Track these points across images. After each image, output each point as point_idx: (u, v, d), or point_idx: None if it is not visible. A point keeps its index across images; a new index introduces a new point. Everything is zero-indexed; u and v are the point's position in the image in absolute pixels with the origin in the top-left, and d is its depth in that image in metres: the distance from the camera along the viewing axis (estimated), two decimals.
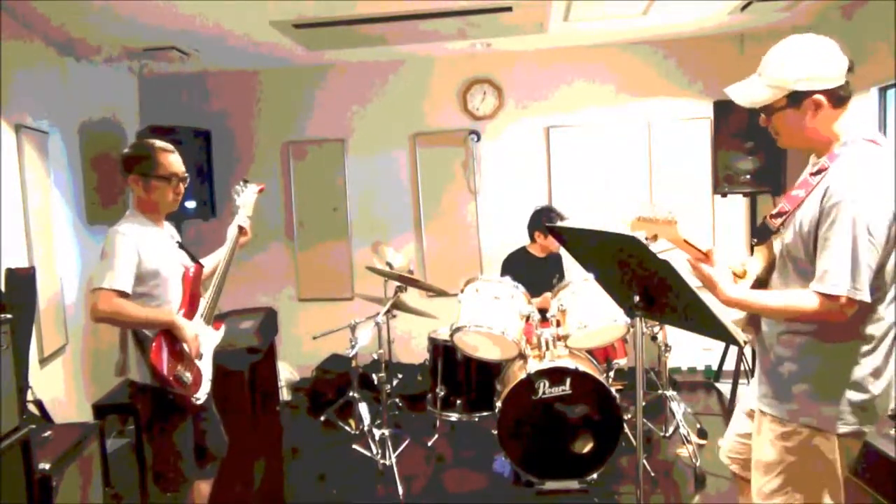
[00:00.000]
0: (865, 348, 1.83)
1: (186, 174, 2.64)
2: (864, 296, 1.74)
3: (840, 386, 1.84)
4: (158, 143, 2.61)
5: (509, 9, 3.92)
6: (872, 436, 2.40)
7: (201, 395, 2.60)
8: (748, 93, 1.92)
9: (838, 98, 1.84)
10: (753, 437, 2.05)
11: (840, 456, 1.88)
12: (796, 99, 1.84)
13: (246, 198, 2.89)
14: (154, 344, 2.43)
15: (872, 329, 1.83)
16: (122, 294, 2.37)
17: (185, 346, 2.53)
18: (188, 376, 2.52)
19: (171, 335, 2.49)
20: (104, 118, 4.91)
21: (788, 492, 1.93)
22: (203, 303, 2.71)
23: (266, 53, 4.78)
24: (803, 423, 1.89)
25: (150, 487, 3.29)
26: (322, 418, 4.53)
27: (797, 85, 1.82)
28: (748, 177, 4.53)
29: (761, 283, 2.01)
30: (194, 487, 2.73)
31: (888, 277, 1.81)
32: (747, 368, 4.39)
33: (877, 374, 1.84)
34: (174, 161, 2.59)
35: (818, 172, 1.85)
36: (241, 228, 2.79)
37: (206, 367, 2.66)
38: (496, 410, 3.44)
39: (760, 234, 2.01)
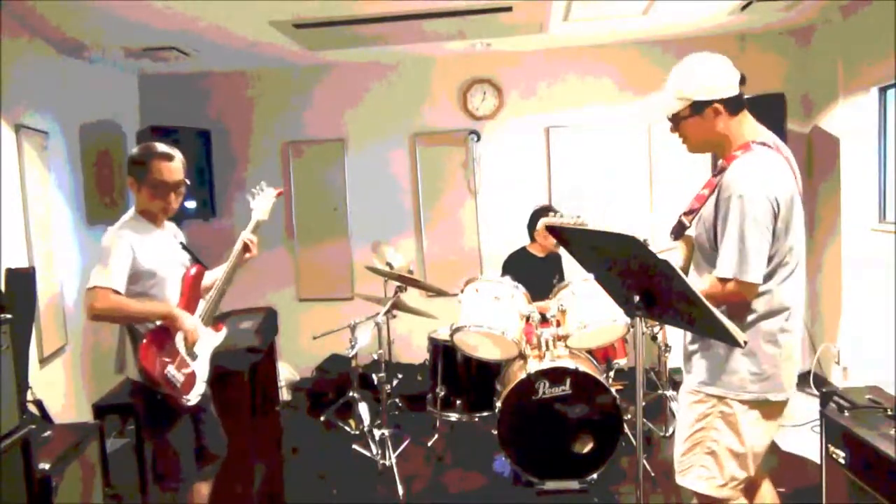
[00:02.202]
0: (762, 323, 2.07)
1: (184, 181, 2.61)
2: (751, 277, 1.99)
3: (740, 357, 2.07)
4: (161, 148, 2.58)
5: (509, 9, 3.92)
6: (873, 436, 2.41)
7: (193, 396, 2.55)
8: (662, 106, 2.21)
9: (734, 105, 2.13)
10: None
11: (750, 421, 2.10)
12: (699, 108, 2.13)
13: (262, 201, 2.87)
14: (143, 343, 2.42)
15: (761, 305, 2.07)
16: (116, 292, 2.38)
17: (182, 339, 2.52)
18: (179, 377, 2.50)
19: (162, 335, 2.48)
20: (104, 118, 4.91)
21: (697, 454, 2.16)
22: (202, 304, 2.70)
23: (266, 53, 4.78)
24: (708, 393, 2.14)
25: (150, 487, 3.30)
26: (322, 418, 4.53)
27: (698, 95, 2.12)
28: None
29: (682, 273, 2.21)
30: (193, 488, 2.72)
31: (776, 261, 2.05)
32: None
33: (773, 345, 2.07)
34: (168, 169, 2.54)
35: (720, 172, 2.12)
36: (246, 245, 2.75)
37: (200, 368, 2.63)
38: (496, 410, 3.44)
39: (676, 230, 2.26)
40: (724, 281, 2.02)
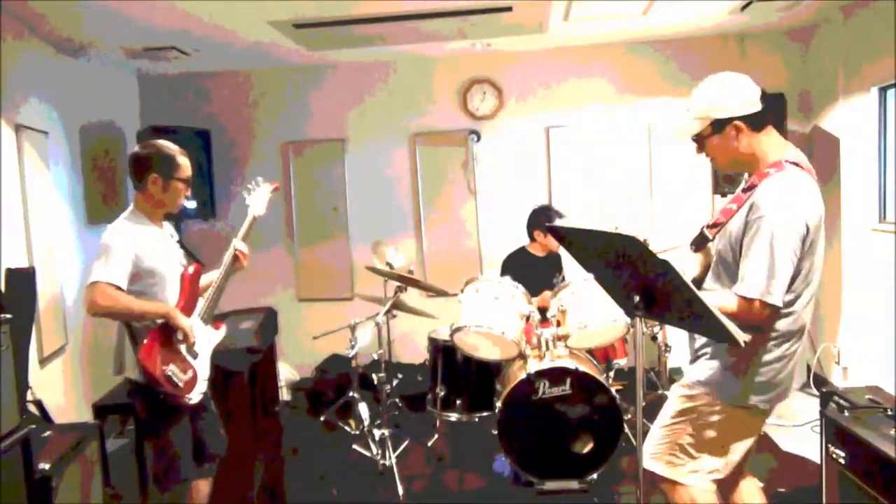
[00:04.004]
0: (777, 339, 2.09)
1: None
2: (776, 300, 1.99)
3: (747, 367, 2.10)
4: (174, 145, 2.65)
5: (509, 9, 3.92)
6: (873, 436, 2.41)
7: (194, 395, 2.57)
8: (682, 127, 2.20)
9: (756, 122, 2.11)
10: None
11: (732, 426, 2.15)
12: (719, 126, 2.11)
13: (258, 196, 2.90)
14: (145, 343, 2.42)
15: (786, 325, 2.08)
16: (118, 288, 2.38)
17: (181, 338, 2.52)
18: (181, 376, 2.50)
19: (163, 334, 2.48)
20: (104, 118, 4.91)
21: (668, 443, 2.23)
22: (201, 302, 2.70)
23: (266, 53, 4.78)
24: (705, 393, 2.17)
25: (150, 487, 3.30)
26: (322, 418, 4.53)
27: (718, 114, 2.10)
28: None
29: (697, 283, 2.24)
30: (193, 487, 2.72)
31: (801, 280, 2.07)
32: None
33: (781, 360, 2.10)
34: (188, 165, 2.64)
35: (749, 189, 2.11)
36: (236, 256, 2.76)
37: (202, 366, 2.64)
38: (496, 410, 3.44)
39: (698, 242, 2.25)
40: (748, 301, 2.01)
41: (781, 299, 2.00)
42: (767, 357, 2.10)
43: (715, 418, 2.15)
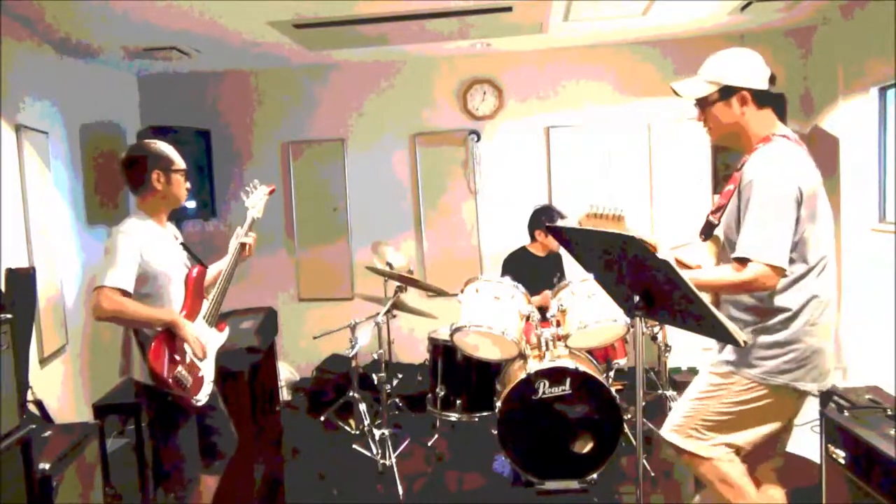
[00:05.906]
0: (802, 314, 2.09)
1: None
2: (774, 259, 1.98)
3: (777, 345, 2.10)
4: (158, 141, 2.68)
5: (509, 9, 3.92)
6: (873, 436, 2.41)
7: (202, 396, 2.59)
8: (690, 87, 2.27)
9: (762, 99, 2.18)
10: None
11: (761, 406, 2.14)
12: (727, 93, 2.18)
13: (255, 199, 2.92)
14: (153, 345, 2.42)
15: (798, 298, 2.08)
16: (124, 293, 2.37)
17: (187, 347, 2.53)
18: (188, 378, 2.51)
19: (170, 336, 2.49)
20: (104, 118, 4.91)
21: (693, 417, 2.22)
22: (206, 304, 2.70)
23: (266, 53, 4.78)
24: (733, 371, 2.17)
25: (150, 487, 3.30)
26: (322, 418, 4.53)
27: (729, 80, 2.18)
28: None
29: None
30: (202, 484, 2.74)
31: (807, 249, 2.07)
32: None
33: (809, 336, 2.09)
34: (178, 156, 2.66)
35: (742, 166, 2.16)
36: (243, 245, 2.79)
37: (208, 368, 2.65)
38: (496, 410, 3.44)
39: (706, 231, 2.29)
40: (742, 262, 2.01)
41: (779, 260, 1.99)
42: (786, 334, 2.09)
43: (743, 397, 2.15)
